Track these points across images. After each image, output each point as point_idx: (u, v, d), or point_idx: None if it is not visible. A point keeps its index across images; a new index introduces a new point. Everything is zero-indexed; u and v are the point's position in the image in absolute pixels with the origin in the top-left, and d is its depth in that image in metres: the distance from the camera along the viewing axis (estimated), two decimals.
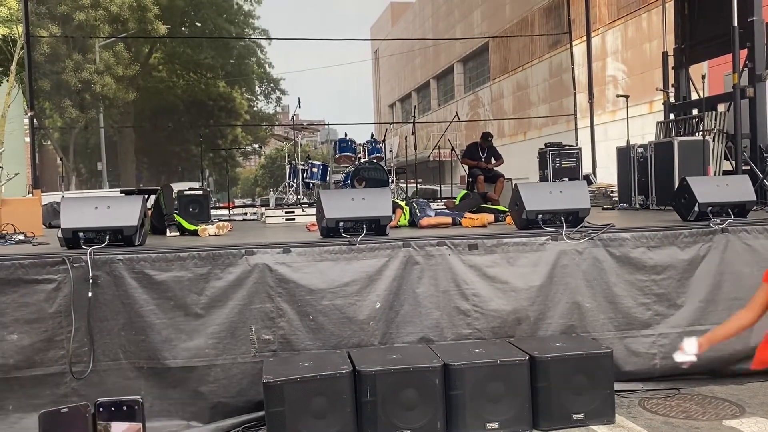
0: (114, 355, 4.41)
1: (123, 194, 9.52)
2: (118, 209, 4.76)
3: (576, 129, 14.57)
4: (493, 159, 10.54)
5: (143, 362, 4.44)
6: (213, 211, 10.63)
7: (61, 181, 12.15)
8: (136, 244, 4.76)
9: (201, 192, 10.19)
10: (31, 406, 4.21)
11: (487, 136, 10.67)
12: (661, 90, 10.15)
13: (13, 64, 21.69)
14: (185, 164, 32.26)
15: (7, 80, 22.88)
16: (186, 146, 29.87)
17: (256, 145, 31.16)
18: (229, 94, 30.68)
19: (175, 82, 30.15)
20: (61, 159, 15.58)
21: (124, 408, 3.66)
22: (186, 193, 10.05)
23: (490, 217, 6.77)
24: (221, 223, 6.69)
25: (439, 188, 15.82)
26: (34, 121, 12.31)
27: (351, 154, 10.61)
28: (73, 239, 4.59)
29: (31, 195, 9.59)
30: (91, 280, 4.30)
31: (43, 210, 7.26)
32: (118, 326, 4.41)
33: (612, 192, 10.56)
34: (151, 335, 4.42)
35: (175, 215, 6.53)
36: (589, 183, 11.50)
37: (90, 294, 4.29)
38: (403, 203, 7.00)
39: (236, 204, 15.65)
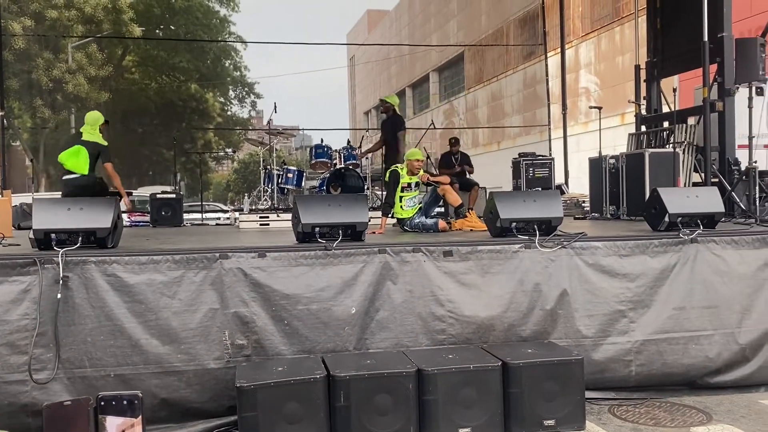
0: (80, 362, 4.30)
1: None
2: (91, 211, 4.70)
3: (549, 139, 14.76)
4: (466, 165, 10.65)
5: (110, 369, 4.33)
6: (185, 215, 10.56)
7: (30, 182, 11.96)
8: (110, 246, 4.70)
9: (174, 195, 10.14)
10: None
11: (454, 142, 10.81)
12: (633, 102, 10.31)
13: None
14: (156, 167, 31.88)
15: None
16: (157, 149, 29.54)
17: (229, 150, 30.95)
18: (201, 95, 30.41)
19: (147, 84, 29.84)
20: (31, 160, 15.35)
21: (125, 402, 3.91)
22: (158, 196, 10.00)
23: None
24: None
25: None
26: (4, 121, 12.11)
27: (327, 160, 10.60)
28: (44, 240, 4.53)
29: (0, 195, 9.41)
30: (61, 282, 4.23)
31: (12, 211, 7.13)
32: (86, 331, 4.31)
33: (584, 202, 10.69)
34: (120, 340, 4.34)
35: None
36: (562, 193, 11.63)
37: (59, 296, 4.21)
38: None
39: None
